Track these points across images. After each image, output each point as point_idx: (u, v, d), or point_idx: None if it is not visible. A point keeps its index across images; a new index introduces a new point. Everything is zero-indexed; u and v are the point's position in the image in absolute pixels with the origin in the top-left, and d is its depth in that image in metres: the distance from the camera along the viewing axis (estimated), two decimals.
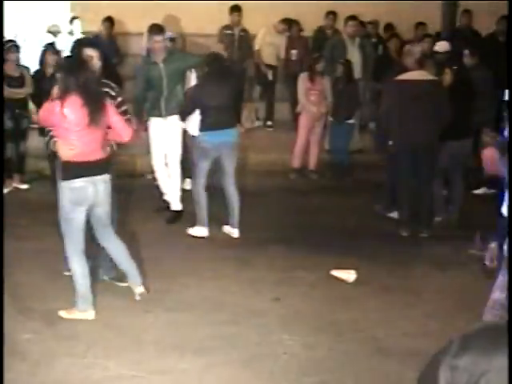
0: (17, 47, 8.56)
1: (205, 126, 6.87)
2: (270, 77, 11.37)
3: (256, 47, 11.32)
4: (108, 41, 10.64)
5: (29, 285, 5.71)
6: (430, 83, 6.99)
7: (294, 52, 11.18)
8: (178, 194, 7.49)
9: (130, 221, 7.08)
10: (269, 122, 11.47)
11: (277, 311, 5.39)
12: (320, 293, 5.68)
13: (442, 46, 8.69)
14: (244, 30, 11.16)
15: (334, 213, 7.87)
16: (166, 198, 7.58)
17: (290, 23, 11.31)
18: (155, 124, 7.37)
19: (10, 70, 8.35)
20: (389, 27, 11.60)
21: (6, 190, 8.16)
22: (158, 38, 7.24)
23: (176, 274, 6.05)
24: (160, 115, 7.32)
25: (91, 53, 5.38)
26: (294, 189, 8.87)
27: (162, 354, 4.69)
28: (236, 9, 11.03)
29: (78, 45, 5.61)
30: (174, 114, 7.27)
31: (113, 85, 5.53)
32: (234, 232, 7.03)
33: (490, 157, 8.28)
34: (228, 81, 7.01)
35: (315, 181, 9.26)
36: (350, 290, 5.77)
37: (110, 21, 10.91)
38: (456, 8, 11.45)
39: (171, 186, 7.50)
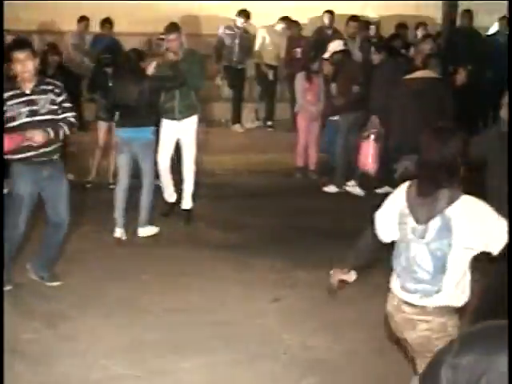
0: None
1: (119, 123, 7.07)
2: (271, 77, 11.35)
3: (256, 47, 11.30)
4: (110, 41, 10.60)
5: (29, 285, 5.71)
6: (432, 81, 6.99)
7: (298, 50, 11.14)
8: (190, 193, 7.52)
9: (131, 220, 7.09)
10: (269, 122, 11.45)
11: (277, 311, 5.40)
12: (320, 293, 5.65)
13: (335, 46, 8.73)
14: (246, 32, 11.13)
15: (334, 213, 7.86)
16: (170, 200, 7.58)
17: (289, 22, 11.29)
18: (167, 126, 7.31)
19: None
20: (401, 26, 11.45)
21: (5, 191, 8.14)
22: (173, 36, 7.14)
23: (176, 274, 6.05)
24: (174, 118, 7.28)
25: (18, 55, 5.27)
26: (293, 189, 8.86)
27: (162, 354, 4.69)
28: (244, 14, 10.96)
29: (8, 47, 5.56)
30: (188, 116, 7.28)
31: (57, 83, 5.51)
32: (138, 231, 7.03)
33: (365, 151, 8.30)
34: (137, 80, 6.87)
35: (315, 180, 9.26)
36: (350, 290, 5.76)
37: (108, 22, 10.86)
38: (456, 8, 11.46)
39: (184, 186, 7.52)
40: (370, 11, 11.73)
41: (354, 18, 10.71)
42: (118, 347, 4.78)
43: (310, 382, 4.41)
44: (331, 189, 8.80)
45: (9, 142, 5.17)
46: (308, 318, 5.26)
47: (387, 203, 3.49)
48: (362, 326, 5.12)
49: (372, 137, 8.18)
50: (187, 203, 7.53)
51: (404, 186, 3.40)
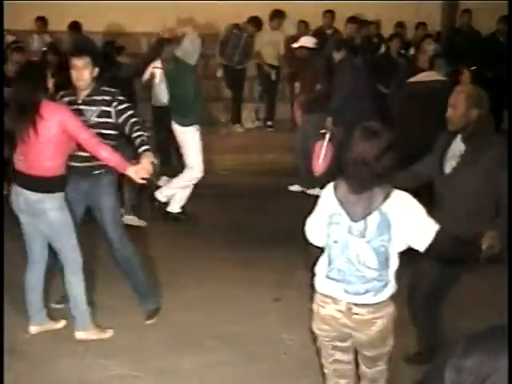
0: (20, 48, 8.52)
1: None
2: (273, 77, 11.30)
3: (256, 48, 11.26)
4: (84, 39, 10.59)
5: None
6: (438, 83, 6.92)
7: None
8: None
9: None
10: (269, 122, 11.43)
11: (277, 311, 5.40)
12: None
13: (303, 41, 8.65)
14: (251, 36, 11.08)
15: None
16: (162, 200, 7.58)
17: (280, 15, 11.19)
18: (198, 131, 7.42)
19: (11, 71, 8.32)
20: (399, 25, 11.45)
21: (5, 192, 8.13)
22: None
23: (176, 274, 6.05)
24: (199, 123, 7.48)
25: (76, 62, 4.88)
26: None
27: (162, 354, 4.69)
28: (255, 22, 10.93)
29: (66, 53, 5.40)
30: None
31: (111, 91, 5.00)
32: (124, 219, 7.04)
33: (317, 151, 8.22)
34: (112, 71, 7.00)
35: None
36: None
37: (75, 26, 10.78)
38: (456, 8, 11.46)
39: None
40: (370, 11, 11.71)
41: (352, 18, 10.69)
42: (118, 347, 4.78)
43: (310, 382, 4.41)
44: (296, 188, 8.74)
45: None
46: (308, 318, 5.25)
47: (317, 207, 3.51)
48: None
49: (326, 137, 8.09)
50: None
51: (330, 187, 3.42)
